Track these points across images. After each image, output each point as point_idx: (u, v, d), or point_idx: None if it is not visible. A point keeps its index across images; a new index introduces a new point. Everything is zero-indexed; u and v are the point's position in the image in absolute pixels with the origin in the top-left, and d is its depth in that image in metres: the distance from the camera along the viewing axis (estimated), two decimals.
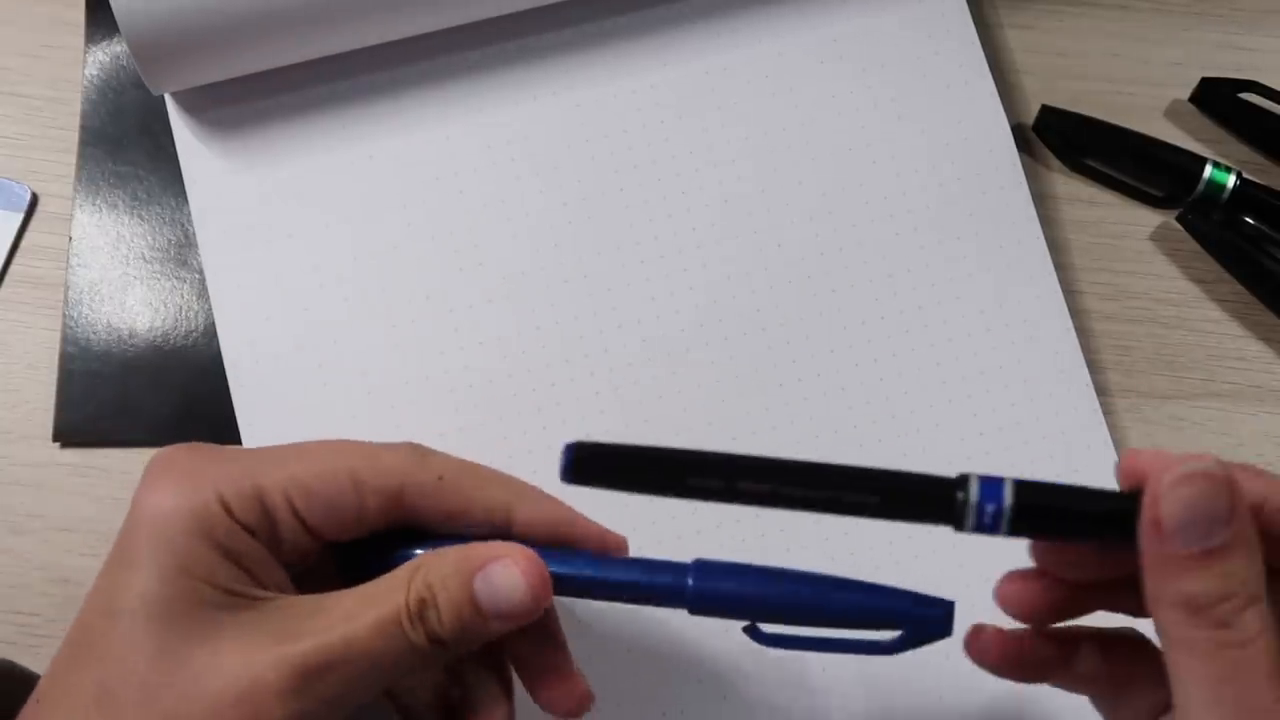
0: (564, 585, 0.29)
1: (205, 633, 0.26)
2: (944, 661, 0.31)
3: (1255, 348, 0.43)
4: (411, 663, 0.27)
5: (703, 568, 0.29)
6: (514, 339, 0.40)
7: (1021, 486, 0.26)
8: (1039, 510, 0.26)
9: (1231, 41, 0.46)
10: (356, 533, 0.29)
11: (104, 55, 0.42)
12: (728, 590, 0.29)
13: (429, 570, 0.28)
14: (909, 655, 0.29)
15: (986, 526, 0.26)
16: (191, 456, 0.28)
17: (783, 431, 0.39)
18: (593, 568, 0.30)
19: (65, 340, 0.39)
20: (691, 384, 0.40)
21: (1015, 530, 0.26)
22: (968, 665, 0.29)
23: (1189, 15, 0.46)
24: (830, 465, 0.27)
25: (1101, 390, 0.41)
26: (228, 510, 0.27)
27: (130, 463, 0.39)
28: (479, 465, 0.31)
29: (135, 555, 0.26)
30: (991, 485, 0.26)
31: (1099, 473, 0.40)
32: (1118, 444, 0.40)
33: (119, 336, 0.39)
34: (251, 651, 0.26)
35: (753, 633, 0.29)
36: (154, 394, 0.39)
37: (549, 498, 0.31)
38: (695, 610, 0.29)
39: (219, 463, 0.28)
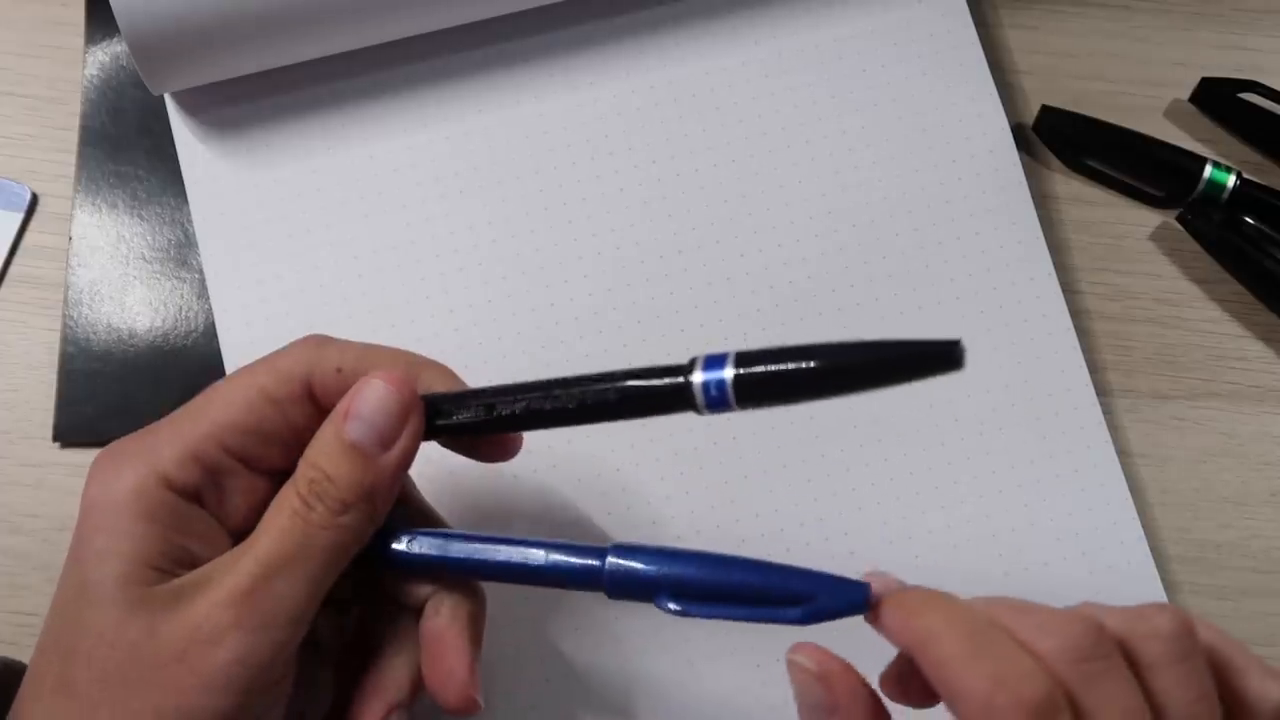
0: (483, 566, 0.30)
1: (145, 608, 0.27)
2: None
3: (1255, 348, 0.43)
4: (336, 542, 0.28)
5: (620, 550, 0.29)
6: (515, 339, 0.40)
7: (743, 356, 0.27)
8: (761, 377, 0.26)
9: (1231, 41, 0.46)
10: (298, 448, 0.29)
11: (104, 55, 0.42)
12: (646, 574, 0.28)
13: (308, 452, 0.29)
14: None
15: (717, 401, 0.27)
16: (123, 445, 0.29)
17: (781, 432, 0.39)
18: (510, 544, 0.30)
19: (65, 340, 0.39)
20: None
21: (743, 401, 0.26)
22: None
23: (1189, 15, 0.46)
24: (572, 377, 0.29)
25: (1101, 390, 0.41)
26: (168, 483, 0.28)
27: None
28: (378, 346, 0.31)
29: (79, 550, 0.28)
30: (715, 360, 0.27)
31: (1099, 473, 0.40)
32: (1118, 444, 0.40)
33: (119, 336, 0.39)
34: (184, 611, 0.27)
35: (660, 604, 0.28)
36: (154, 394, 0.39)
37: (448, 370, 0.31)
38: (613, 594, 0.29)
39: (146, 441, 0.29)
